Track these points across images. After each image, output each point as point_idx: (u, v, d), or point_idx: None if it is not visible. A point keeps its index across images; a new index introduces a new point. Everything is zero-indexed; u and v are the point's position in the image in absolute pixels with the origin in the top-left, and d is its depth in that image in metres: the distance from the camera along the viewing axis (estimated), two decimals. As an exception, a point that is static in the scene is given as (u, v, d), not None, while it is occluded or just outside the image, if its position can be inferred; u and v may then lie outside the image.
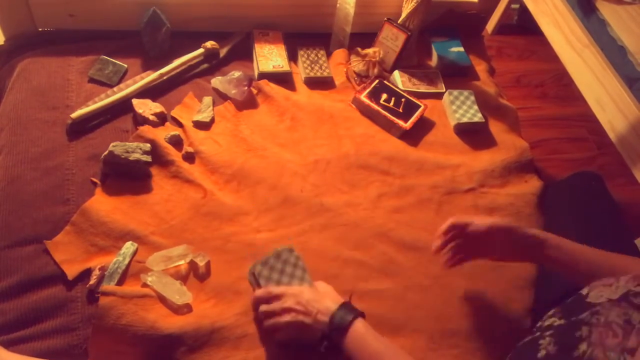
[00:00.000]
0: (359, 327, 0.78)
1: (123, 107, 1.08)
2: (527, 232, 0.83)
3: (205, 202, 0.99)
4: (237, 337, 0.83)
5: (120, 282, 0.86)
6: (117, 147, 0.97)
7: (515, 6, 2.31)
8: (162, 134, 1.06)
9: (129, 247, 0.90)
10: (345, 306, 0.81)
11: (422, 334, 0.90)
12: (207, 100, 1.14)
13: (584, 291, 0.72)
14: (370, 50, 1.26)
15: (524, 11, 2.21)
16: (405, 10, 1.26)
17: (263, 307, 0.83)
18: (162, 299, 0.85)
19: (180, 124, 1.10)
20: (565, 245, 0.81)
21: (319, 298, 0.82)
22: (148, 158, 0.99)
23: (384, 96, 1.21)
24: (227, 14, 1.25)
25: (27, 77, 1.09)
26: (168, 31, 1.17)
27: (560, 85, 2.20)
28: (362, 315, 0.81)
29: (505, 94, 1.39)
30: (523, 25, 2.31)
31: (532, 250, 0.83)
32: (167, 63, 1.16)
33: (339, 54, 1.30)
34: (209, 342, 0.82)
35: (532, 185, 1.16)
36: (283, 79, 1.23)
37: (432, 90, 1.28)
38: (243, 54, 1.26)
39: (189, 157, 1.05)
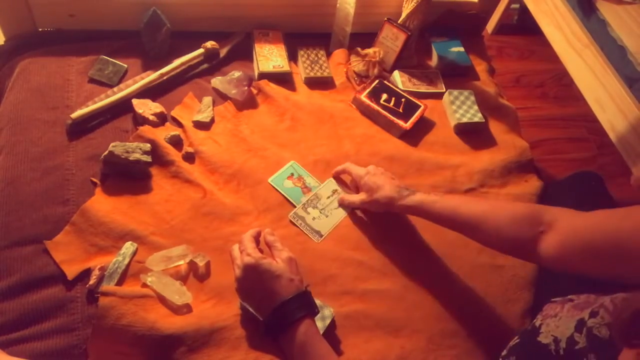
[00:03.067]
0: (305, 330, 0.74)
1: (123, 107, 1.08)
2: (403, 205, 0.92)
3: (205, 202, 0.99)
4: (236, 337, 0.83)
5: (120, 282, 0.86)
6: (117, 147, 0.97)
7: (515, 6, 2.31)
8: (162, 134, 1.06)
9: (128, 247, 0.90)
10: (298, 299, 0.76)
11: (422, 334, 0.90)
12: (207, 100, 1.14)
13: (537, 322, 0.74)
14: (370, 50, 1.26)
15: (524, 11, 2.21)
16: (406, 10, 1.26)
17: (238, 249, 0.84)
18: (162, 299, 0.85)
19: (180, 124, 1.10)
20: (442, 202, 0.88)
21: (285, 278, 0.78)
22: (148, 158, 0.99)
23: (384, 96, 1.21)
24: (227, 14, 1.25)
25: (27, 77, 1.09)
26: (168, 31, 1.17)
27: (560, 85, 2.20)
28: (313, 313, 0.78)
29: (505, 94, 1.39)
30: (523, 25, 2.32)
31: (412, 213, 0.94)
32: (167, 63, 1.16)
33: (339, 54, 1.30)
34: (209, 343, 0.82)
35: (532, 185, 1.16)
36: (283, 79, 1.22)
37: (432, 90, 1.28)
38: (243, 54, 1.26)
39: (189, 157, 1.05)
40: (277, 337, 0.77)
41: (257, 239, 0.85)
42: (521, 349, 0.78)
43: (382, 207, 0.96)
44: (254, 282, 0.78)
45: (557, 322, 0.71)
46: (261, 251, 0.84)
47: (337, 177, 1.08)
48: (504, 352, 0.82)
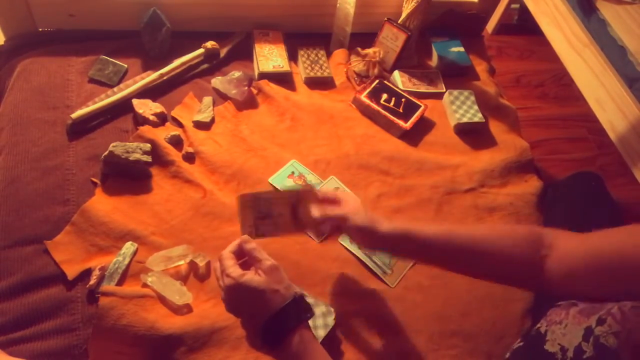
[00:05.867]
0: (298, 341, 0.70)
1: (123, 107, 1.08)
2: (383, 234, 0.79)
3: (205, 202, 0.99)
4: (236, 337, 0.83)
5: (120, 283, 0.86)
6: (117, 147, 0.97)
7: (515, 6, 2.31)
8: (162, 134, 1.06)
9: (129, 247, 0.90)
10: (285, 311, 0.71)
11: (422, 334, 0.90)
12: (207, 100, 1.14)
13: (542, 328, 0.72)
14: (370, 50, 1.26)
15: (524, 11, 2.21)
16: (406, 10, 1.26)
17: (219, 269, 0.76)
18: (162, 299, 0.85)
19: (180, 124, 1.10)
20: (432, 225, 0.78)
21: (268, 291, 0.71)
22: (148, 158, 0.99)
23: (384, 96, 1.21)
24: (227, 14, 1.25)
25: (27, 77, 1.09)
26: (168, 31, 1.17)
27: (560, 85, 2.20)
28: (305, 319, 0.73)
29: (505, 94, 1.39)
30: (523, 25, 2.32)
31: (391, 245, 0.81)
32: (167, 63, 1.16)
33: (339, 54, 1.30)
34: (209, 343, 0.82)
35: (532, 185, 1.16)
36: (283, 79, 1.22)
37: (432, 90, 1.28)
38: (243, 54, 1.26)
39: (189, 157, 1.05)
40: (274, 349, 0.75)
41: (237, 252, 0.79)
42: (527, 356, 0.77)
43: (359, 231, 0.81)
44: (238, 302, 0.75)
45: (564, 330, 0.69)
46: (247, 263, 0.79)
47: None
48: (508, 355, 0.81)
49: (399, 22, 1.26)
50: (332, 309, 0.88)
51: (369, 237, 0.81)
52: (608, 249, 0.64)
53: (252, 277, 0.73)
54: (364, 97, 1.20)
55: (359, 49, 1.28)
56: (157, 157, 1.02)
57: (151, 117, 1.07)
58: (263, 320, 0.72)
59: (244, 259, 0.79)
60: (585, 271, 0.66)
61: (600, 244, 0.66)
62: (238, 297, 0.74)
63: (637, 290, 0.61)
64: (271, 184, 1.04)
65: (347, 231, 0.83)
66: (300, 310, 0.74)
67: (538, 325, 0.76)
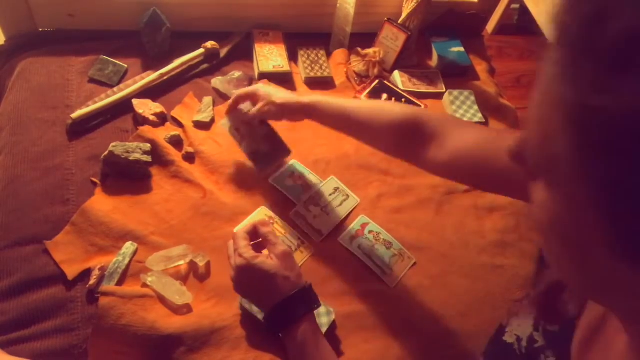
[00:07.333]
0: (304, 329, 0.72)
1: (123, 107, 1.08)
2: (299, 102, 0.91)
3: (205, 202, 0.99)
4: (236, 337, 0.83)
5: (120, 283, 0.86)
6: (117, 147, 0.97)
7: (515, 6, 2.31)
8: (162, 134, 1.06)
9: (128, 247, 0.90)
10: (295, 298, 0.73)
11: (422, 334, 0.90)
12: (207, 100, 1.14)
13: (504, 322, 0.76)
14: (370, 50, 1.26)
15: (524, 11, 2.21)
16: (406, 10, 1.26)
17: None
18: (162, 299, 0.85)
19: (180, 124, 1.10)
20: (335, 102, 0.89)
21: (280, 276, 0.74)
22: (148, 158, 0.99)
23: (384, 96, 1.21)
24: (227, 14, 1.25)
25: (27, 77, 1.09)
26: (168, 31, 1.17)
27: (561, 85, 2.20)
28: (312, 309, 0.75)
29: (506, 94, 1.39)
30: (523, 26, 2.32)
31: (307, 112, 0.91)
32: (167, 63, 1.16)
33: (339, 54, 1.30)
34: (209, 343, 0.82)
35: (532, 185, 1.16)
36: (283, 79, 1.22)
37: (432, 90, 1.28)
38: (243, 54, 1.26)
39: (189, 157, 1.05)
40: (278, 333, 0.77)
41: (252, 233, 0.81)
42: (490, 349, 0.78)
43: (279, 109, 0.93)
44: (248, 283, 0.76)
45: (519, 321, 0.71)
46: (260, 245, 0.82)
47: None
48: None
49: (399, 22, 1.26)
50: (331, 309, 0.88)
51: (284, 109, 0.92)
52: (484, 150, 0.71)
53: (264, 260, 0.75)
54: (364, 97, 1.20)
55: (359, 49, 1.28)
56: (157, 157, 1.02)
57: (151, 117, 1.07)
58: (272, 304, 0.72)
59: (257, 240, 0.79)
60: (465, 170, 0.74)
61: (479, 147, 0.72)
62: (248, 278, 0.75)
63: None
64: (271, 184, 1.04)
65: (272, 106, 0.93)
66: (309, 300, 0.75)
67: (502, 320, 0.78)
